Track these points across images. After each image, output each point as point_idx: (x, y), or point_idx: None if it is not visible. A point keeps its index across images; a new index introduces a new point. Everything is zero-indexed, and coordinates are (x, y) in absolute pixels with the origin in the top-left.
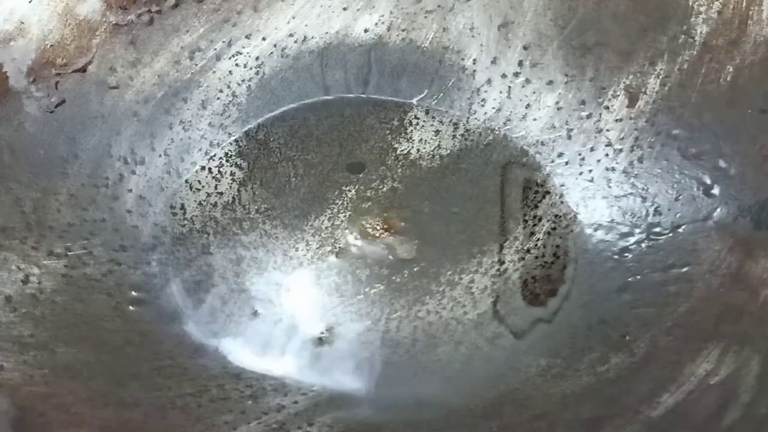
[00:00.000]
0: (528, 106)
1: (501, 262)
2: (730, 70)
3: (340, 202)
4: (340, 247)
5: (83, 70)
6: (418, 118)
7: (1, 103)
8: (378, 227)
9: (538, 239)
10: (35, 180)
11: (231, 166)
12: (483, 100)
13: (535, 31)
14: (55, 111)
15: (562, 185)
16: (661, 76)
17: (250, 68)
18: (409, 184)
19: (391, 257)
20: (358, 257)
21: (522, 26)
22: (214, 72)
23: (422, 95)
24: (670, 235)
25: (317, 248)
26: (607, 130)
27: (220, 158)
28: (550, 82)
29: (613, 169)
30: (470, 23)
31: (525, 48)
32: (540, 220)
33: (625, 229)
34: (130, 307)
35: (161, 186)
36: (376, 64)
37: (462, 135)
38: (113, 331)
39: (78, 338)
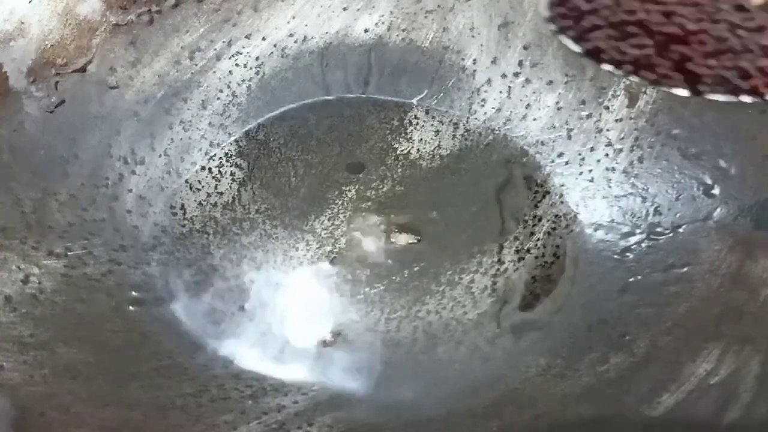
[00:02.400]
0: (528, 106)
1: (501, 262)
2: None
3: (340, 202)
4: (339, 247)
5: (83, 70)
6: (418, 118)
7: (1, 103)
8: (378, 227)
9: (538, 239)
10: (35, 180)
11: (231, 166)
12: (483, 100)
13: (535, 31)
14: (55, 111)
15: (562, 185)
16: None
17: (250, 68)
18: (409, 184)
19: (390, 257)
20: (358, 257)
21: (522, 26)
22: (214, 72)
23: (422, 95)
24: (671, 235)
25: (317, 248)
26: (607, 130)
27: (220, 158)
28: (550, 82)
29: (613, 169)
30: (470, 23)
31: (525, 48)
32: (540, 220)
33: (626, 229)
34: (130, 307)
35: (161, 186)
36: (376, 64)
37: (462, 135)
38: (113, 331)
39: (78, 338)
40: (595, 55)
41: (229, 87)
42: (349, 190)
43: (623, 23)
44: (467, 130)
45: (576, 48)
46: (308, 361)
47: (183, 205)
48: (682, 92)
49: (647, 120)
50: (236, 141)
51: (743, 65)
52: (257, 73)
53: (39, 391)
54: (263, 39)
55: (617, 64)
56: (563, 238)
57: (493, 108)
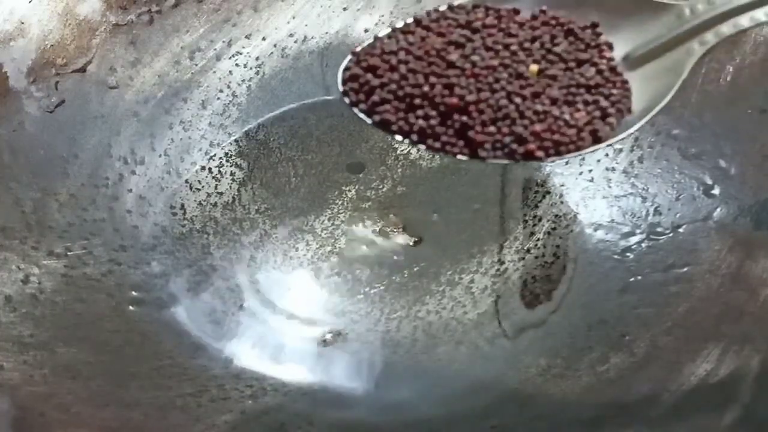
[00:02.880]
0: None
1: (501, 262)
2: (730, 70)
3: (340, 202)
4: (339, 247)
5: (83, 70)
6: None
7: (1, 103)
8: (378, 227)
9: (538, 239)
10: (35, 180)
11: (231, 166)
12: None
13: None
14: (55, 111)
15: (562, 185)
16: None
17: (250, 68)
18: (409, 184)
19: (390, 257)
20: (358, 257)
21: None
22: (214, 72)
23: None
24: (671, 235)
25: (317, 248)
26: None
27: (220, 158)
28: None
29: (613, 169)
30: None
31: None
32: (540, 220)
33: (626, 229)
34: (130, 307)
35: (161, 186)
36: None
37: None
38: (113, 331)
39: (78, 338)
40: (385, 126)
41: (229, 87)
42: (349, 190)
43: (409, 96)
44: None
45: (367, 120)
46: (308, 361)
47: (183, 205)
48: (464, 158)
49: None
50: (236, 141)
51: (519, 131)
52: (257, 73)
53: (39, 391)
54: (263, 39)
55: (405, 134)
56: (563, 238)
57: None
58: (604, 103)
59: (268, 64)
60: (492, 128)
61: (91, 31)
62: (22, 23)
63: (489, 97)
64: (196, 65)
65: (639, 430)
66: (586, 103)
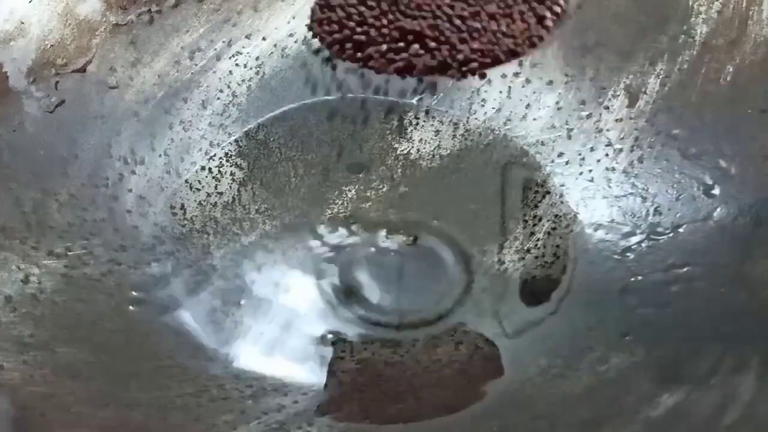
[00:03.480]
0: (528, 106)
1: (501, 262)
2: (730, 70)
3: (340, 202)
4: (339, 247)
5: (83, 70)
6: (418, 118)
7: (1, 103)
8: (377, 227)
9: (538, 239)
10: (35, 180)
11: (231, 166)
12: (483, 100)
13: None
14: (55, 111)
15: (562, 185)
16: (661, 76)
17: (250, 68)
18: (409, 184)
19: (390, 257)
20: (358, 257)
21: None
22: (214, 72)
23: (422, 95)
24: (671, 235)
25: (317, 248)
26: (607, 130)
27: (220, 158)
28: (550, 82)
29: (613, 169)
30: None
31: None
32: (540, 220)
33: (626, 229)
34: (130, 307)
35: (161, 186)
36: None
37: (462, 135)
38: (113, 331)
39: (78, 338)
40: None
41: (229, 87)
42: (349, 190)
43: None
44: (467, 130)
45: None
46: (308, 361)
47: (183, 205)
48: (428, 76)
49: (647, 120)
50: (236, 141)
51: (462, 50)
52: (257, 73)
53: (39, 391)
54: (263, 39)
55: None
56: (563, 238)
57: (493, 108)
58: (539, 9)
59: (268, 64)
60: (440, 54)
61: (91, 31)
62: (22, 23)
63: (432, 24)
64: (196, 65)
65: (639, 430)
66: (521, 12)
